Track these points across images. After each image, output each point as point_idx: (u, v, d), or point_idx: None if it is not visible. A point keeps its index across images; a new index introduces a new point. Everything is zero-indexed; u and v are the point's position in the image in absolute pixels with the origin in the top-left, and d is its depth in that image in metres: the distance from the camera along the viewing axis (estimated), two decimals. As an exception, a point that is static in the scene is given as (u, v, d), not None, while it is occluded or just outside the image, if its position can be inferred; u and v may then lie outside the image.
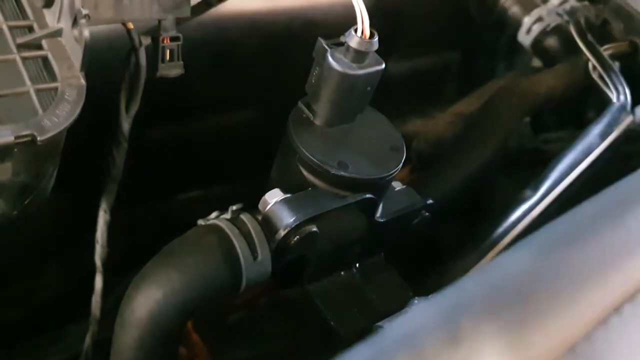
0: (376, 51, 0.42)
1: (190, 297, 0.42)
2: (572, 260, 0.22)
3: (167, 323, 0.42)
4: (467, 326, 0.18)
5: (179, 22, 0.42)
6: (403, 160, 0.45)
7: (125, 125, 0.45)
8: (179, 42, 0.42)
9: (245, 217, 0.43)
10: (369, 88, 0.43)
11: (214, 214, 0.46)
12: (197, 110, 0.66)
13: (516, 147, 0.70)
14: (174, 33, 0.42)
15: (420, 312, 0.21)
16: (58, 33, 0.36)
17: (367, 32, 0.41)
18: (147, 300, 0.41)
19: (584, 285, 0.22)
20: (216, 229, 0.43)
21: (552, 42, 0.75)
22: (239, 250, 0.42)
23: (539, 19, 0.77)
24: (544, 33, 0.76)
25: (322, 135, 0.43)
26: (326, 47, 0.42)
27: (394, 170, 0.44)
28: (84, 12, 0.36)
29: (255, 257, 0.42)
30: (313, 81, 0.43)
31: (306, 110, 0.44)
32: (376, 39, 0.41)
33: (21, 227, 0.43)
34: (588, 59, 0.63)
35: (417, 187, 0.51)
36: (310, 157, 0.42)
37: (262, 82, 0.67)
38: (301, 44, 0.46)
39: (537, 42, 0.76)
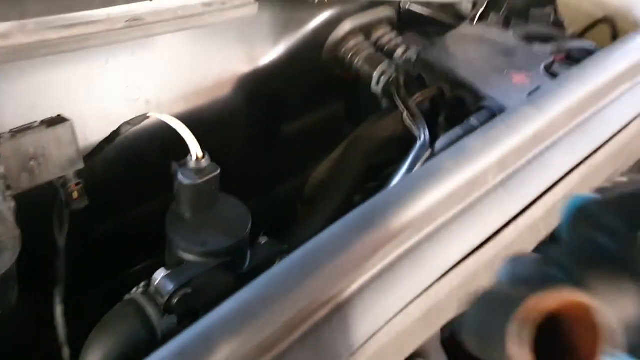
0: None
1: (122, 352, 0.62)
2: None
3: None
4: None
5: (79, 172, 0.63)
6: (249, 227, 0.65)
7: (61, 241, 0.66)
8: (81, 185, 0.63)
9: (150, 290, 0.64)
10: (213, 187, 0.64)
11: (134, 289, 0.67)
12: (136, 197, 0.86)
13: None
14: (76, 180, 0.63)
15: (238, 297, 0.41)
16: (-4, 206, 0.57)
17: (199, 155, 0.62)
18: (92, 361, 0.62)
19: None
20: (134, 301, 0.64)
21: (402, 91, 0.95)
22: (150, 312, 0.63)
23: (384, 73, 0.97)
24: (388, 83, 0.96)
25: (189, 224, 0.64)
26: (177, 167, 0.63)
27: (242, 237, 0.64)
28: (6, 186, 0.57)
29: (163, 315, 0.63)
30: (175, 189, 0.64)
31: (176, 210, 0.65)
32: (206, 158, 0.62)
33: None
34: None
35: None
36: (181, 242, 0.63)
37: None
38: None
39: (386, 91, 0.96)
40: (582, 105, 0.69)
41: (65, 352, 0.68)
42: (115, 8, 0.65)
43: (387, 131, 0.88)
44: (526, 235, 0.62)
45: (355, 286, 0.49)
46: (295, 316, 0.45)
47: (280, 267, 0.46)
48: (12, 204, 0.57)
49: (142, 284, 0.65)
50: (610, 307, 0.24)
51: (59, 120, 0.60)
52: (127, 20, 0.66)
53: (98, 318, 0.69)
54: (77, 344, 0.68)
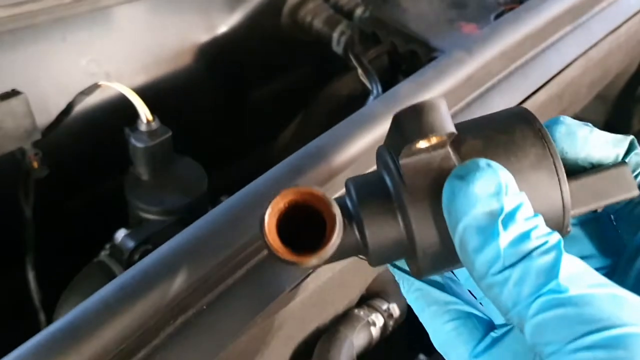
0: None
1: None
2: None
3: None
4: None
5: (35, 144, 0.66)
6: (205, 185, 0.69)
7: (28, 210, 0.70)
8: (40, 155, 0.66)
9: (114, 250, 0.67)
10: (166, 149, 0.67)
11: (101, 252, 0.71)
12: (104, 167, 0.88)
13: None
14: (34, 151, 0.66)
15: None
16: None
17: (149, 118, 0.65)
18: (63, 318, 0.65)
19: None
20: (100, 262, 0.68)
21: (356, 49, 0.98)
22: (115, 270, 0.66)
23: (343, 33, 0.99)
24: (348, 43, 0.98)
25: (146, 185, 0.68)
26: (129, 131, 0.66)
27: (199, 195, 0.68)
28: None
29: (128, 272, 0.66)
30: (130, 153, 0.67)
31: (133, 173, 0.68)
32: (156, 121, 0.65)
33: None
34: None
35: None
36: (139, 202, 0.66)
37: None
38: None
39: (346, 51, 0.98)
40: (519, 48, 0.71)
41: (41, 316, 0.72)
42: (62, -17, 0.67)
43: (347, 89, 0.91)
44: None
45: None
46: (235, 253, 0.48)
47: (217, 210, 0.49)
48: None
49: (107, 245, 0.69)
50: (377, 232, 0.29)
51: (12, 94, 0.62)
52: (74, -6, 0.68)
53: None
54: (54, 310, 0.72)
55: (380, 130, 0.56)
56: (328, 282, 0.53)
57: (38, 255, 0.72)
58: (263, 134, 1.06)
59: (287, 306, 0.51)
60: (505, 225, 0.25)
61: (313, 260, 0.26)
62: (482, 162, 0.27)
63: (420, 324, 0.78)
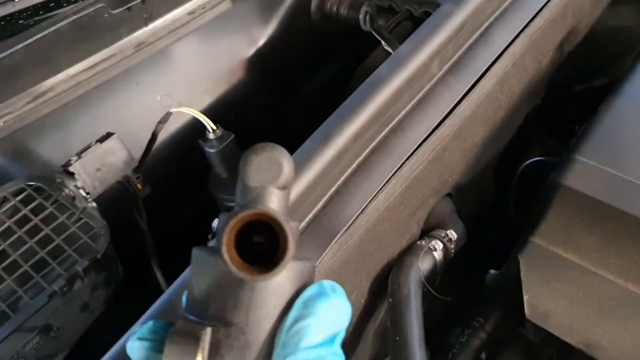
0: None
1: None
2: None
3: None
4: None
5: (135, 170, 0.83)
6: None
7: (143, 224, 0.87)
8: (141, 179, 0.83)
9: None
10: (234, 149, 0.82)
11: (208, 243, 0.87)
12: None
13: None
14: (135, 175, 0.83)
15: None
16: (85, 209, 0.79)
17: (213, 127, 0.80)
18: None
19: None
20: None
21: (376, 24, 1.09)
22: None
23: (367, 12, 1.10)
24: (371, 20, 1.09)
25: (226, 181, 0.83)
26: (201, 142, 0.81)
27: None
28: (86, 192, 0.78)
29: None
30: (207, 158, 0.83)
31: (214, 174, 0.83)
32: (219, 128, 0.80)
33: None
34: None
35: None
36: (224, 195, 0.81)
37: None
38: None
39: (374, 29, 1.10)
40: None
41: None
42: (122, 41, 0.84)
43: (379, 60, 1.02)
44: (484, 104, 0.75)
45: (343, 177, 0.65)
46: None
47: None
48: (94, 204, 0.77)
49: (209, 236, 0.85)
50: None
51: (107, 136, 0.80)
52: (134, 47, 0.85)
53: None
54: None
55: (388, 89, 0.67)
56: (379, 219, 0.65)
57: (159, 257, 0.89)
58: (317, 123, 1.19)
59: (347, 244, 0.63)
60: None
61: (265, 276, 0.29)
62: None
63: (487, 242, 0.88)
